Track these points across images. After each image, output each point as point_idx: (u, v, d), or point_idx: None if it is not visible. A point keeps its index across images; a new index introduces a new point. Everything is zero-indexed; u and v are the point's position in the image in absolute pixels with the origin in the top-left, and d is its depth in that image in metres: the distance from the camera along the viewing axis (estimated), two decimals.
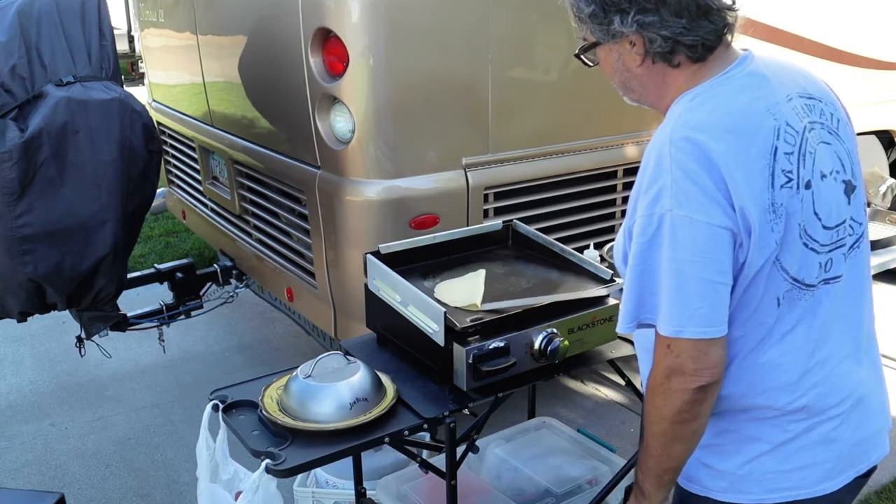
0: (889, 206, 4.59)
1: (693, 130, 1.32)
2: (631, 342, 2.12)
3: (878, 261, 4.22)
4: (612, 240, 3.00)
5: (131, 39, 10.56)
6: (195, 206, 4.30)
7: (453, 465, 1.90)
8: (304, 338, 4.34)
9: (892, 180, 4.56)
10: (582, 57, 1.53)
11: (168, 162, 4.58)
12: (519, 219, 2.50)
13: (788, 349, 1.40)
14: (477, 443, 2.07)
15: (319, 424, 1.76)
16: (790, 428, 1.43)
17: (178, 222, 5.23)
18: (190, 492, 3.11)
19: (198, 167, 4.10)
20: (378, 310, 2.09)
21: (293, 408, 1.79)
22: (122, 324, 3.34)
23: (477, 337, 1.85)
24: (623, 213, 3.35)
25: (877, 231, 4.41)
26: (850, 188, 1.44)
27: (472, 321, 1.86)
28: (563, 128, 3.13)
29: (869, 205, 4.52)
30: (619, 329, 1.43)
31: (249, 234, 3.68)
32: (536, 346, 1.89)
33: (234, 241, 3.83)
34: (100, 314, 3.20)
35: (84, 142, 2.78)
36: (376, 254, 2.12)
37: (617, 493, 2.30)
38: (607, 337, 2.04)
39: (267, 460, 1.67)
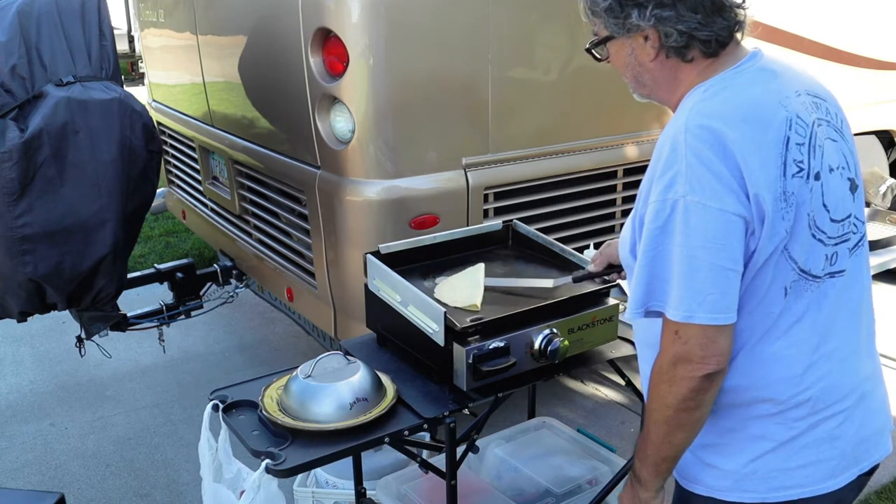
0: (889, 206, 4.59)
1: (708, 118, 1.34)
2: (631, 342, 2.13)
3: (878, 261, 4.22)
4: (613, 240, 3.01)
5: (131, 39, 10.57)
6: (195, 206, 4.30)
7: (453, 465, 1.90)
8: (304, 338, 4.34)
9: (892, 180, 4.56)
10: (593, 51, 1.55)
11: (168, 162, 4.58)
12: (519, 219, 2.50)
13: (794, 341, 1.41)
14: (477, 443, 2.07)
15: (319, 424, 1.76)
16: (794, 425, 1.43)
17: (178, 222, 5.23)
18: (190, 492, 3.11)
19: (198, 167, 4.10)
20: (378, 310, 2.09)
21: (293, 408, 1.79)
22: (122, 324, 3.34)
23: (477, 337, 1.85)
24: (623, 213, 3.38)
25: (877, 231, 4.41)
26: (853, 187, 1.46)
27: (472, 321, 1.86)
28: (563, 128, 3.13)
29: (868, 205, 4.53)
30: (627, 316, 1.43)
31: (249, 234, 3.68)
32: (536, 346, 1.89)
33: (234, 241, 3.83)
34: (100, 314, 3.20)
35: (84, 142, 2.78)
36: (376, 254, 2.13)
37: (617, 493, 2.30)
38: (607, 337, 2.05)
39: (267, 460, 1.67)
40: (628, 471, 2.21)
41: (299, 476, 2.56)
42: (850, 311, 1.47)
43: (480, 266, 2.15)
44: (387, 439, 1.77)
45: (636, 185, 3.34)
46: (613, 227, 3.38)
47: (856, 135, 1.55)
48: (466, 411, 1.89)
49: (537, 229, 2.39)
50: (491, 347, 1.83)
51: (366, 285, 2.12)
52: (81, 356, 3.41)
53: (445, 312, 1.81)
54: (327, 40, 2.77)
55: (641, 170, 3.34)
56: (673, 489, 1.62)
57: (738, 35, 1.44)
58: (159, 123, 4.47)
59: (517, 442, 2.60)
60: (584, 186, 3.25)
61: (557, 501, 2.32)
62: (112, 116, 2.85)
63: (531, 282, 2.09)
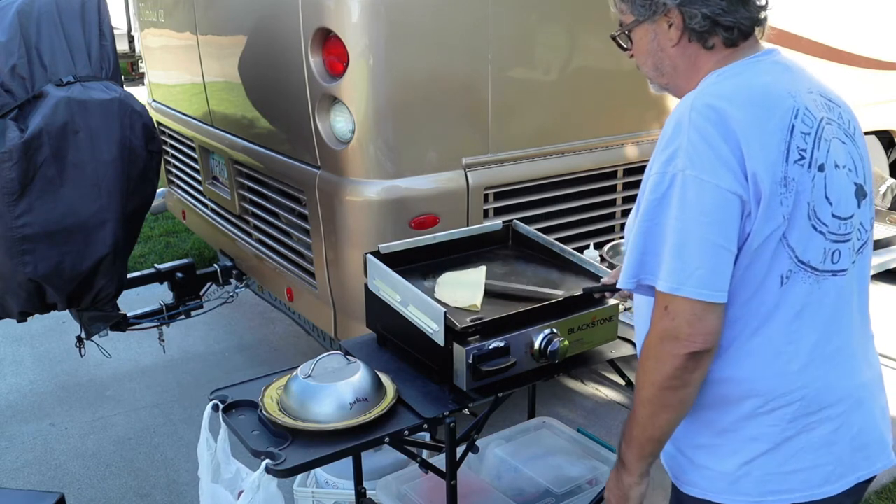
0: (889, 206, 4.59)
1: (715, 98, 1.36)
2: (631, 342, 2.13)
3: (879, 261, 4.21)
4: (613, 240, 3.01)
5: (131, 39, 10.56)
6: (195, 206, 4.30)
7: (453, 465, 1.90)
8: (304, 338, 4.34)
9: (892, 180, 4.55)
10: (617, 39, 1.58)
11: (168, 162, 4.58)
12: (519, 219, 2.51)
13: (793, 337, 1.41)
14: (477, 443, 2.07)
15: (319, 424, 1.76)
16: (788, 426, 1.43)
17: (178, 222, 5.23)
18: (190, 492, 3.11)
19: (198, 167, 4.10)
20: (378, 310, 2.09)
21: (293, 408, 1.79)
22: (122, 324, 3.34)
23: (477, 337, 1.85)
24: (623, 213, 3.38)
25: (877, 231, 4.40)
26: (861, 192, 1.46)
27: (472, 321, 1.86)
28: (563, 128, 3.13)
29: None
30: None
31: (249, 234, 3.68)
32: (536, 346, 1.89)
33: (234, 241, 3.83)
34: (100, 314, 3.20)
35: (84, 142, 2.78)
36: (376, 254, 2.13)
37: None
38: (607, 337, 2.04)
39: (267, 460, 1.67)
40: None
41: (299, 476, 2.56)
42: (851, 315, 1.47)
43: (482, 268, 2.15)
44: (387, 439, 1.77)
45: (636, 185, 3.35)
46: (613, 227, 3.38)
47: None
48: (466, 411, 1.89)
49: (537, 229, 2.39)
50: (491, 347, 1.83)
51: (366, 285, 2.12)
52: (81, 356, 3.41)
53: (445, 312, 1.81)
54: (327, 40, 2.77)
55: (641, 170, 3.34)
56: (667, 488, 1.61)
57: (758, 32, 1.48)
58: (159, 123, 4.47)
59: (517, 442, 2.60)
60: (584, 186, 3.25)
61: (557, 501, 2.32)
62: (112, 116, 2.85)
63: (542, 292, 2.09)
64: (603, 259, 2.70)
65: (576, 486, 2.36)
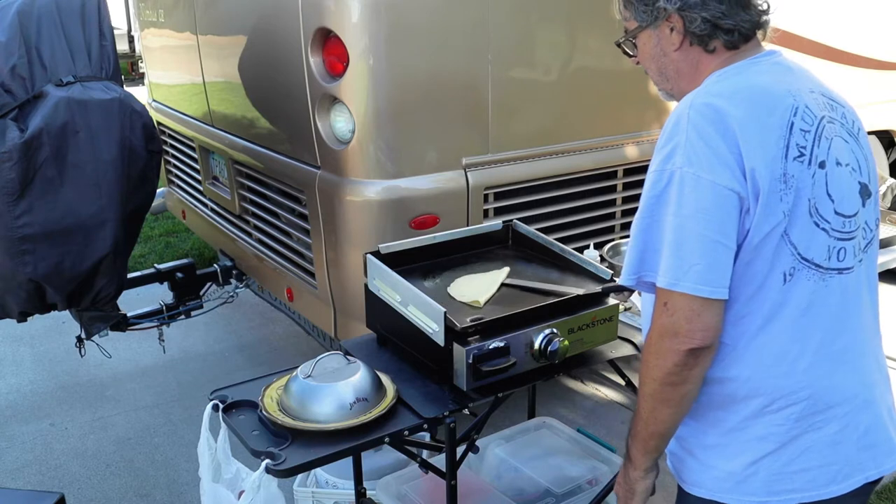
0: (889, 206, 4.60)
1: (714, 97, 1.38)
2: (630, 342, 2.13)
3: (879, 260, 4.22)
4: (613, 240, 3.01)
5: (131, 39, 10.57)
6: (195, 206, 4.30)
7: (453, 465, 1.90)
8: (304, 338, 4.34)
9: (892, 180, 4.56)
10: (622, 46, 1.60)
11: (168, 162, 4.58)
12: (519, 219, 2.51)
13: (799, 335, 1.41)
14: (477, 443, 2.07)
15: (319, 424, 1.76)
16: (795, 425, 1.43)
17: (178, 222, 5.23)
18: (190, 492, 3.11)
19: (198, 167, 4.10)
20: (378, 310, 2.09)
21: (293, 408, 1.79)
22: (122, 324, 3.34)
23: (477, 337, 1.85)
24: (623, 212, 3.38)
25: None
26: (865, 192, 1.46)
27: (472, 321, 1.86)
28: (563, 128, 3.13)
29: None
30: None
31: (249, 234, 3.68)
32: (536, 346, 1.89)
33: (234, 241, 3.83)
34: (100, 314, 3.21)
35: (84, 142, 2.78)
36: (376, 254, 2.13)
37: None
38: (607, 337, 2.04)
39: (267, 460, 1.67)
40: None
41: (299, 476, 2.56)
42: (860, 314, 1.47)
43: (505, 269, 2.14)
44: (387, 439, 1.77)
45: (636, 185, 3.36)
46: (613, 227, 3.38)
47: None
48: (466, 411, 1.89)
49: (537, 229, 2.39)
50: (491, 347, 1.83)
51: (366, 285, 2.12)
52: (81, 356, 3.41)
53: (445, 312, 1.81)
54: (327, 40, 2.77)
55: (641, 170, 3.37)
56: (667, 488, 1.61)
57: (760, 34, 1.49)
58: (159, 123, 4.47)
59: (517, 442, 2.60)
60: (584, 186, 3.25)
61: (557, 501, 2.32)
62: (112, 116, 2.85)
63: (560, 288, 2.09)
64: (603, 259, 2.70)
65: (576, 486, 2.36)
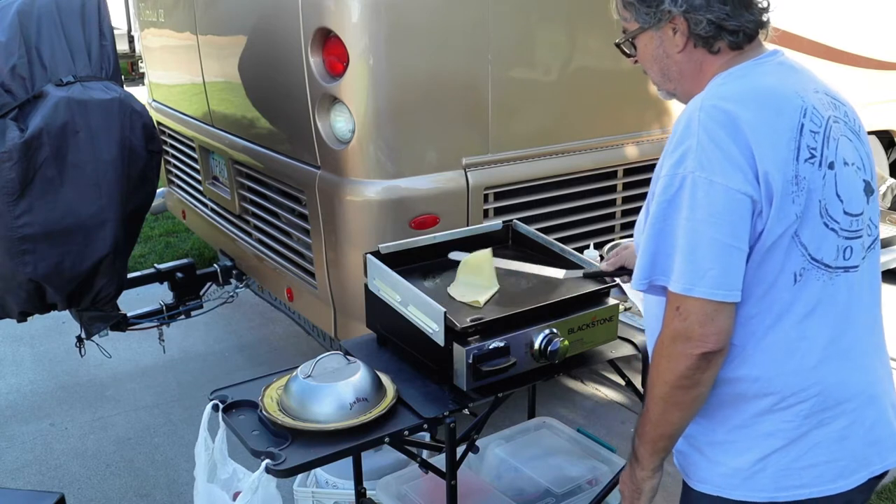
0: (889, 206, 4.60)
1: (723, 100, 1.37)
2: (631, 342, 2.13)
3: (880, 260, 4.22)
4: (613, 240, 3.01)
5: (131, 39, 10.57)
6: (195, 206, 4.30)
7: (453, 465, 1.90)
8: (304, 338, 4.34)
9: (892, 180, 4.56)
10: (622, 46, 1.58)
11: (168, 162, 4.58)
12: (519, 219, 2.50)
13: (807, 333, 1.41)
14: (477, 443, 2.07)
15: (319, 424, 1.76)
16: (803, 422, 1.43)
17: (178, 222, 5.23)
18: (190, 492, 3.09)
19: (198, 167, 4.10)
20: (378, 310, 2.09)
21: (293, 408, 1.79)
22: (122, 324, 3.34)
23: (477, 337, 1.85)
24: (623, 213, 3.38)
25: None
26: (868, 189, 1.47)
27: (471, 321, 1.86)
28: (563, 128, 3.13)
29: None
30: (633, 286, 1.45)
31: (249, 234, 3.68)
32: (536, 346, 1.89)
33: (234, 241, 3.83)
34: (100, 314, 3.20)
35: (84, 142, 2.78)
36: (376, 254, 2.12)
37: (617, 493, 2.30)
38: (607, 337, 2.04)
39: (267, 460, 1.67)
40: None
41: (299, 476, 2.56)
42: (865, 311, 1.48)
43: (487, 251, 2.13)
44: (387, 439, 1.77)
45: (636, 185, 3.36)
46: (613, 227, 3.38)
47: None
48: (466, 411, 1.89)
49: (537, 229, 2.39)
50: (491, 347, 1.83)
51: (366, 285, 2.12)
52: (81, 356, 3.41)
53: (445, 312, 1.81)
54: (327, 40, 2.77)
55: (641, 170, 3.37)
56: (667, 488, 1.61)
57: (762, 34, 1.49)
58: (159, 123, 4.47)
59: (517, 442, 2.60)
60: (584, 186, 3.25)
61: (557, 501, 2.32)
62: (112, 116, 2.85)
63: (542, 269, 2.11)
64: (603, 259, 2.70)
65: (576, 486, 2.36)
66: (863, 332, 1.48)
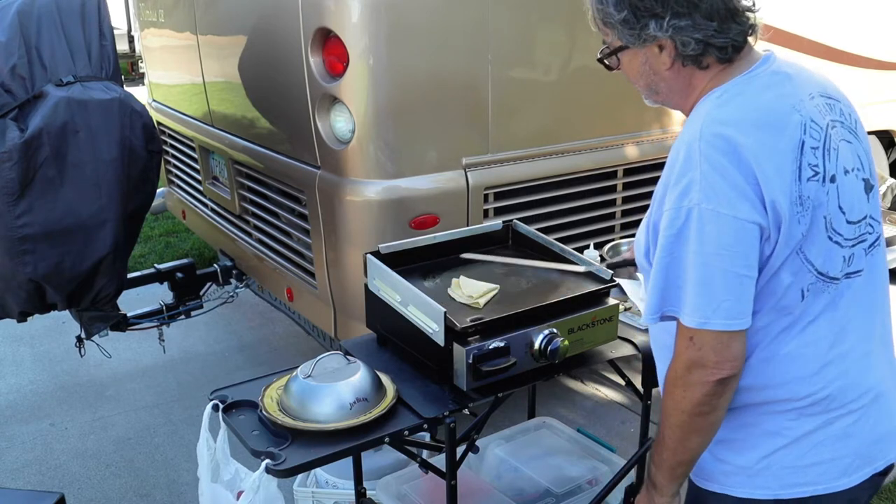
0: (889, 206, 4.60)
1: (722, 126, 1.34)
2: (631, 342, 2.13)
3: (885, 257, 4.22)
4: (612, 240, 3.01)
5: (131, 39, 10.57)
6: (195, 206, 4.30)
7: (453, 465, 1.90)
8: (304, 338, 4.34)
9: (892, 180, 4.56)
10: (604, 61, 1.54)
11: (168, 162, 4.58)
12: (519, 219, 2.50)
13: (810, 340, 1.41)
14: (477, 443, 2.06)
15: (319, 424, 1.76)
16: (809, 422, 1.44)
17: (178, 222, 5.23)
18: (190, 492, 3.11)
19: (198, 167, 4.10)
20: (378, 310, 2.09)
21: (293, 408, 1.79)
22: (122, 324, 3.34)
23: (477, 337, 1.85)
24: (623, 213, 3.38)
25: None
26: (868, 187, 1.46)
27: (471, 321, 1.85)
28: (563, 128, 3.13)
29: None
30: (644, 321, 1.45)
31: (249, 234, 3.68)
32: (536, 346, 1.89)
33: (234, 241, 3.83)
34: (100, 314, 3.21)
35: (84, 142, 2.78)
36: (376, 254, 2.12)
37: (617, 493, 2.30)
38: (607, 337, 2.04)
39: (267, 460, 1.67)
40: (628, 471, 2.23)
41: (299, 476, 2.56)
42: (866, 310, 1.47)
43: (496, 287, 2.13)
44: (387, 439, 1.77)
45: (636, 185, 3.37)
46: (613, 227, 3.38)
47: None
48: (466, 411, 1.89)
49: (537, 229, 2.38)
50: (491, 347, 1.83)
51: (366, 285, 2.12)
52: (81, 356, 3.41)
53: (445, 312, 1.81)
54: (327, 40, 2.77)
55: (641, 170, 3.37)
56: (686, 492, 1.62)
57: (752, 39, 1.45)
58: (159, 123, 4.47)
59: (517, 442, 2.60)
60: (584, 186, 3.25)
61: (557, 501, 2.32)
62: (112, 116, 2.85)
63: (562, 266, 2.11)
64: (603, 259, 2.70)
65: (576, 486, 2.36)
66: (867, 332, 1.48)
